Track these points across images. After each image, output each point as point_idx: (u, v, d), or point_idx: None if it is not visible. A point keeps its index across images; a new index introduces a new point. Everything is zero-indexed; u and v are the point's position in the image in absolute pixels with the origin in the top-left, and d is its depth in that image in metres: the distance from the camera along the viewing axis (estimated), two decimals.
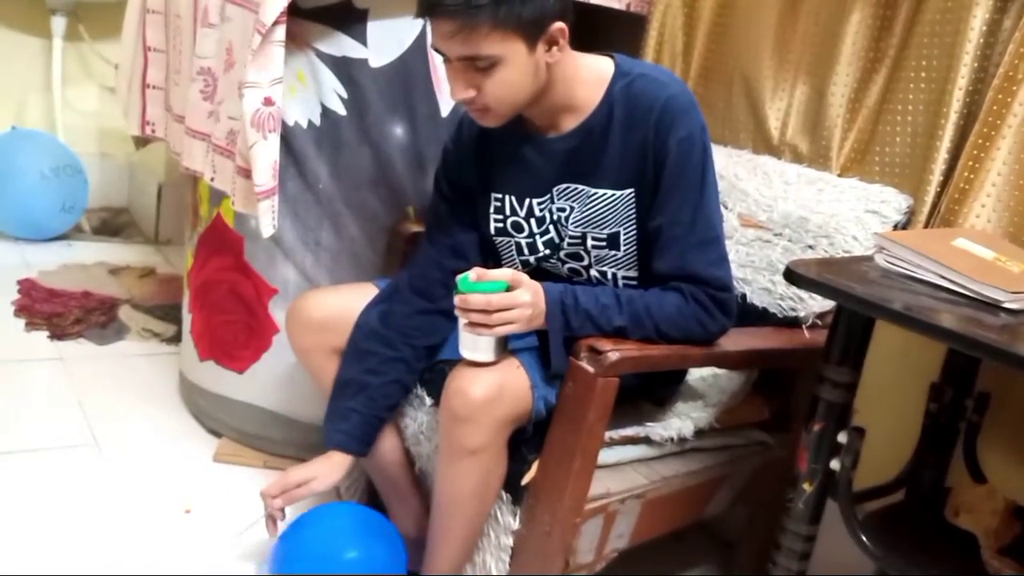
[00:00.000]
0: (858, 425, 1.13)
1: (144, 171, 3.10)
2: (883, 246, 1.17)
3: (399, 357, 1.36)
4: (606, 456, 1.32)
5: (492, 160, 1.34)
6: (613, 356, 1.16)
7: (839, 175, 1.57)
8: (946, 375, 1.31)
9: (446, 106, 1.69)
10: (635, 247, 1.29)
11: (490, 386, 1.18)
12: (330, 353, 1.41)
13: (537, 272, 1.36)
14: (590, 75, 1.25)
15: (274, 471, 1.71)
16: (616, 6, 1.81)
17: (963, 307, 1.05)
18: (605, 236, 1.29)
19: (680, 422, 1.38)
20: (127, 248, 2.93)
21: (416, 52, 1.64)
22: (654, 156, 1.22)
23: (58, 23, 2.90)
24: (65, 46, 2.96)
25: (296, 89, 1.60)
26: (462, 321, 1.20)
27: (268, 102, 1.44)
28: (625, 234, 1.28)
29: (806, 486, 1.17)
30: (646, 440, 1.37)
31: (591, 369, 1.17)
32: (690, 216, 1.22)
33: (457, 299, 1.18)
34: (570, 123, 1.27)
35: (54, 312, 2.31)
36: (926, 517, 1.30)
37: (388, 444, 1.44)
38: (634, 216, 1.27)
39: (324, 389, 1.43)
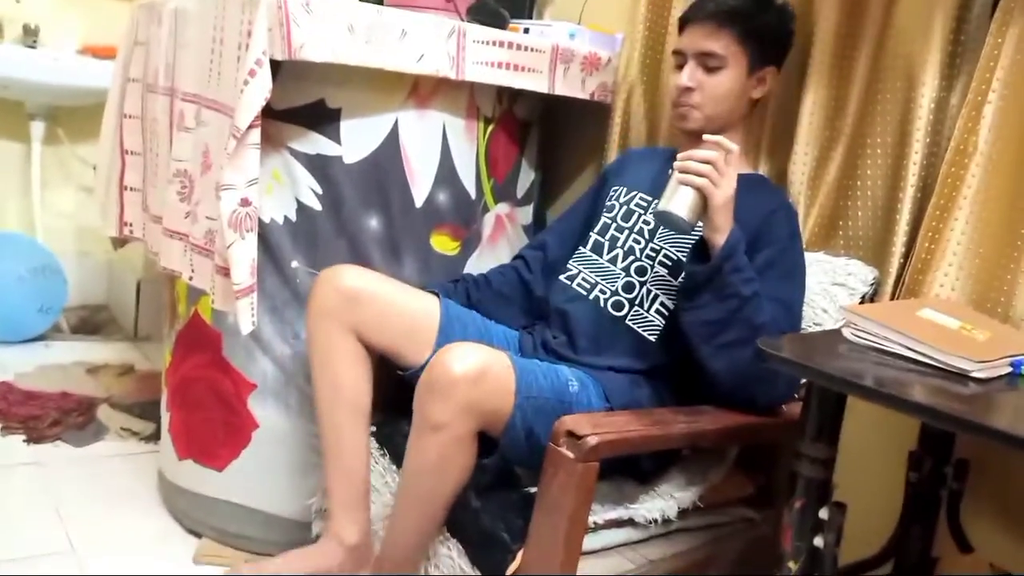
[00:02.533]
0: (839, 500, 1.13)
1: (123, 268, 3.12)
2: (850, 320, 1.19)
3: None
4: (591, 542, 1.30)
5: (635, 167, 1.63)
6: (592, 440, 1.17)
7: (806, 249, 1.60)
8: (923, 443, 1.32)
9: (420, 197, 1.73)
10: None
11: (473, 367, 1.20)
12: (346, 329, 1.44)
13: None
14: (743, 158, 1.48)
15: None
16: (580, 95, 1.87)
17: (932, 378, 1.07)
18: (674, 260, 1.44)
19: (664, 502, 1.38)
20: (106, 346, 2.91)
21: (389, 146, 1.68)
22: (759, 228, 1.39)
23: (37, 128, 2.95)
24: (44, 150, 3.00)
25: (272, 188, 1.64)
26: (675, 177, 1.28)
27: (245, 203, 1.47)
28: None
29: (791, 565, 1.16)
30: (630, 522, 1.36)
31: (571, 455, 1.17)
32: (777, 271, 1.38)
33: (682, 154, 1.30)
34: None
35: (31, 415, 2.28)
36: None
37: (360, 441, 1.44)
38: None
39: (324, 366, 1.45)
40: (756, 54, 1.46)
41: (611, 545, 1.35)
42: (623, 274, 1.50)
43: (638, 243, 1.51)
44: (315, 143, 1.65)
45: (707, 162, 1.27)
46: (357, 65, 1.55)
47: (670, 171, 1.31)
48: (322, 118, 1.64)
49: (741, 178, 1.33)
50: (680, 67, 1.48)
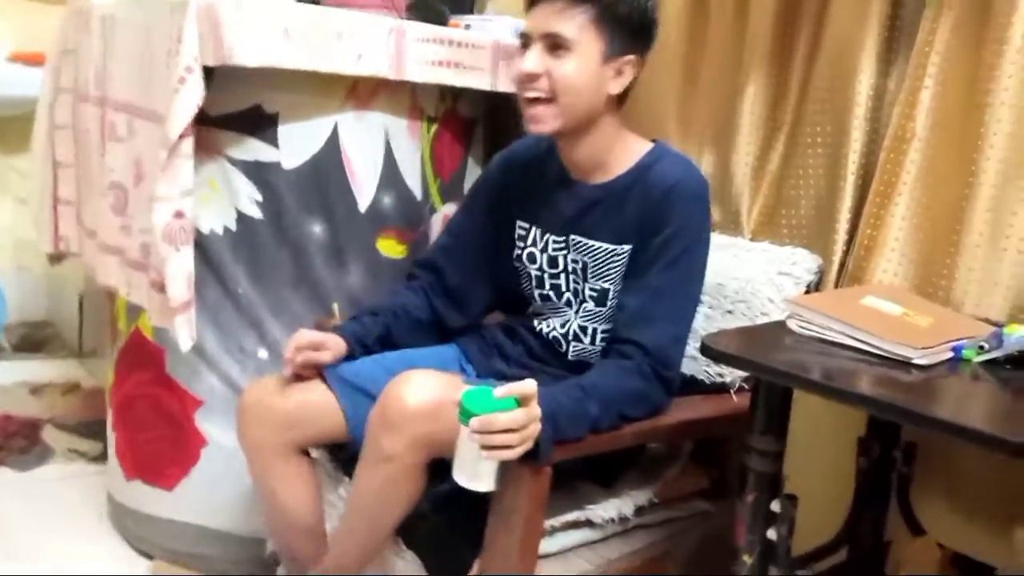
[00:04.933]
0: (790, 492, 1.13)
1: (64, 282, 3.02)
2: (794, 312, 1.19)
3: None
4: (548, 545, 1.29)
5: (528, 190, 1.44)
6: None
7: (751, 239, 1.61)
8: (871, 429, 1.34)
9: (364, 201, 1.70)
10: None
11: (427, 401, 1.16)
12: (287, 453, 1.36)
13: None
14: (628, 142, 1.36)
15: None
16: None
17: (876, 367, 1.08)
18: (598, 291, 1.36)
19: (620, 501, 1.37)
20: (49, 364, 2.83)
21: (330, 151, 1.65)
22: (651, 227, 1.30)
23: None
24: None
25: (209, 197, 1.59)
26: (470, 446, 1.07)
27: (179, 215, 1.42)
28: (613, 292, 1.35)
29: (746, 558, 1.17)
30: (588, 523, 1.35)
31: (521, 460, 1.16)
32: (666, 291, 1.28)
33: (477, 422, 1.05)
34: (599, 178, 1.36)
35: None
36: (869, 574, 1.31)
37: (317, 550, 1.40)
38: (624, 274, 1.33)
39: (273, 492, 1.37)
40: (612, 40, 1.26)
41: (569, 547, 1.34)
42: (575, 317, 1.42)
43: (577, 283, 1.40)
44: (253, 149, 1.60)
45: (510, 429, 1.07)
46: (293, 68, 1.51)
47: (467, 432, 1.07)
48: (259, 124, 1.60)
49: (632, 168, 1.33)
50: (525, 50, 1.30)
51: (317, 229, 1.66)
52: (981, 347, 1.10)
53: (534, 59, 1.27)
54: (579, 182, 1.38)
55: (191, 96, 1.41)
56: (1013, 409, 1.03)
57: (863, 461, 1.33)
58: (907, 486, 1.33)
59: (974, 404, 1.06)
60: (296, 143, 1.62)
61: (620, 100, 1.33)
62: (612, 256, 1.35)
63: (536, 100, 1.28)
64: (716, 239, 1.62)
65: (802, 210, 1.55)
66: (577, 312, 1.40)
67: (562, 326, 1.42)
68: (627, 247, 1.33)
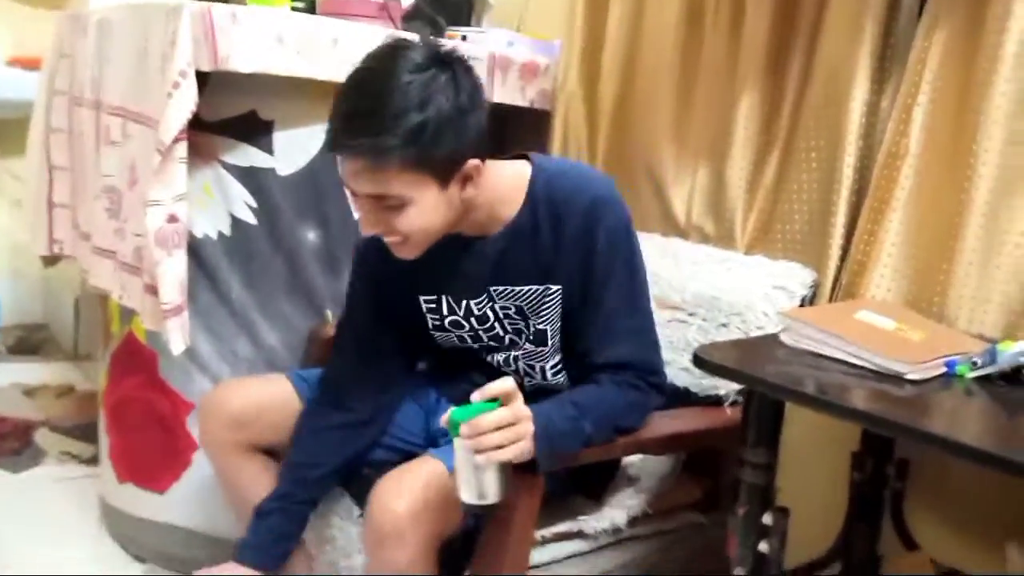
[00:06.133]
0: (782, 505, 1.13)
1: (59, 285, 3.02)
2: (788, 325, 1.19)
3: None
4: (540, 556, 1.29)
5: (419, 262, 1.22)
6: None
7: (745, 253, 1.61)
8: (865, 444, 1.33)
9: None
10: (560, 342, 1.30)
11: (416, 500, 1.14)
12: (245, 450, 1.38)
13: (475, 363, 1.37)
14: (510, 183, 1.23)
15: None
16: (520, 103, 1.85)
17: (869, 381, 1.07)
18: (534, 332, 1.30)
19: (612, 512, 1.36)
20: (44, 366, 2.82)
21: (324, 157, 1.64)
22: (584, 248, 1.21)
23: None
24: None
25: (204, 202, 1.59)
26: (467, 458, 1.05)
27: (172, 219, 1.42)
28: (552, 331, 1.30)
29: (738, 571, 1.16)
30: (579, 534, 1.35)
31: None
32: (624, 305, 1.24)
33: (466, 427, 1.03)
34: (497, 227, 1.25)
35: None
36: None
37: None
38: (560, 312, 1.28)
39: (234, 488, 1.41)
40: (441, 167, 1.10)
41: (560, 557, 1.33)
42: (522, 357, 1.35)
43: (516, 323, 1.31)
44: (248, 155, 1.60)
45: (498, 427, 1.04)
46: (288, 75, 1.51)
47: (461, 444, 1.05)
48: (254, 130, 1.60)
49: (525, 202, 1.21)
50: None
51: (311, 235, 1.66)
52: (974, 363, 1.10)
53: (372, 221, 1.13)
54: (477, 240, 1.25)
55: (185, 101, 1.41)
56: (1008, 425, 1.02)
57: (857, 475, 1.33)
58: (900, 501, 1.33)
59: (969, 420, 1.05)
60: (291, 150, 1.62)
61: (476, 183, 1.17)
62: (543, 297, 1.26)
63: None
64: (709, 252, 1.63)
65: (797, 224, 1.55)
66: (521, 352, 1.33)
67: (508, 363, 1.36)
68: (556, 287, 1.25)
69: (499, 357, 1.37)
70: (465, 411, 1.05)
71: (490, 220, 1.24)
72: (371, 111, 1.06)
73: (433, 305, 1.33)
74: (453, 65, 1.11)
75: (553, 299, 1.27)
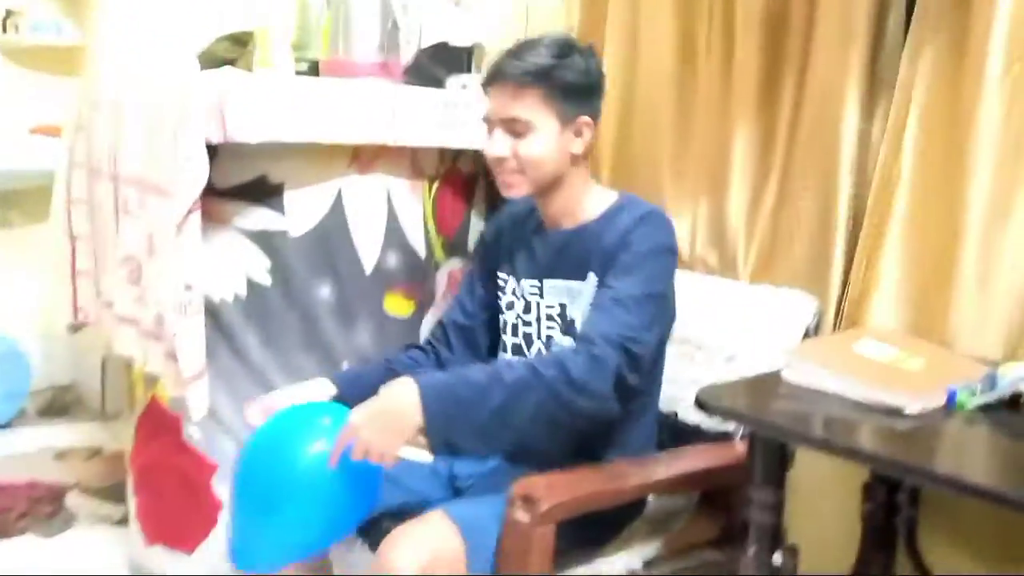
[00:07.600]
0: (791, 544, 1.14)
1: (87, 346, 3.08)
2: (789, 362, 1.21)
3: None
4: None
5: (511, 243, 1.51)
6: (545, 505, 1.17)
7: (749, 282, 1.63)
8: (876, 475, 1.34)
9: (369, 262, 1.74)
10: None
11: (424, 558, 1.16)
12: None
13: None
14: (597, 193, 1.44)
15: None
16: None
17: (871, 416, 1.09)
18: (567, 325, 1.39)
19: (628, 555, 1.38)
20: (73, 428, 2.88)
21: (334, 215, 1.70)
22: (614, 253, 1.33)
23: None
24: None
25: (220, 267, 1.64)
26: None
27: (189, 287, 1.47)
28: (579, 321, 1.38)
29: None
30: None
31: (526, 519, 1.18)
32: (620, 291, 1.28)
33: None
34: (569, 224, 1.42)
35: None
36: None
37: None
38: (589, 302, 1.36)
39: None
40: (565, 110, 1.34)
41: None
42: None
43: (551, 330, 1.43)
44: (260, 218, 1.65)
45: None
46: (294, 142, 1.57)
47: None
48: (265, 193, 1.65)
49: (600, 216, 1.38)
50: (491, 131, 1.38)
51: (325, 292, 1.70)
52: (974, 391, 1.11)
53: (498, 144, 1.36)
54: (551, 230, 1.44)
55: (198, 172, 1.46)
56: (1012, 458, 1.03)
57: (869, 506, 1.34)
58: (914, 529, 1.33)
59: (974, 455, 1.06)
60: (302, 210, 1.67)
61: (585, 154, 1.41)
62: (582, 292, 1.38)
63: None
64: (715, 283, 1.66)
65: (797, 252, 1.57)
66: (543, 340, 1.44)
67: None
68: (593, 277, 1.36)
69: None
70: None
71: (565, 215, 1.42)
72: (529, 47, 1.34)
73: (503, 282, 1.51)
74: (589, 51, 1.39)
75: (589, 291, 1.36)
